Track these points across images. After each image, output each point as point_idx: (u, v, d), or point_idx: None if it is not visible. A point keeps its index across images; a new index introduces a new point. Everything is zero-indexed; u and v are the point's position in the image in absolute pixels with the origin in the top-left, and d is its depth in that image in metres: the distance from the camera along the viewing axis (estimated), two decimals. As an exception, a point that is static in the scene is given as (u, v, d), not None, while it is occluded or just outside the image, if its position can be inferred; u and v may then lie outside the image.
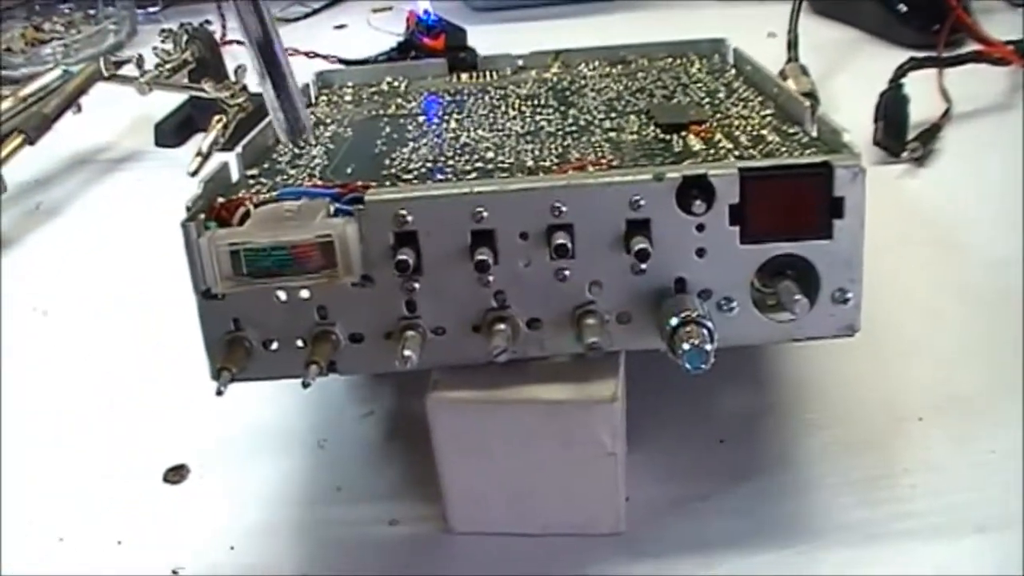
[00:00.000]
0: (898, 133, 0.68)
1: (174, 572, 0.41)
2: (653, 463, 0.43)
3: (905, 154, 0.67)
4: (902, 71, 0.70)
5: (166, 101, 0.82)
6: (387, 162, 0.44)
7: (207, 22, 0.86)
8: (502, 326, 0.37)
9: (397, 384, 0.49)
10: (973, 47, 0.80)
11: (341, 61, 0.84)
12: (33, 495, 0.45)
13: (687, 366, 0.34)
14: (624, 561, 0.39)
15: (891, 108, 0.69)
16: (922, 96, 0.72)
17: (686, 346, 0.34)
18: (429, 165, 0.43)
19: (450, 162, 0.44)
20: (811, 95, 0.74)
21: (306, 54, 0.87)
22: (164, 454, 0.47)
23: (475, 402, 0.38)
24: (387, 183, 0.41)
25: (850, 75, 0.82)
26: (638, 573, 0.39)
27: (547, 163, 0.42)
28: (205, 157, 0.68)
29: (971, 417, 0.45)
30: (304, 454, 0.46)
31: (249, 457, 0.47)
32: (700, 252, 0.36)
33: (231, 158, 0.45)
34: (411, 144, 0.47)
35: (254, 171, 0.45)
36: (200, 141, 0.71)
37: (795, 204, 0.36)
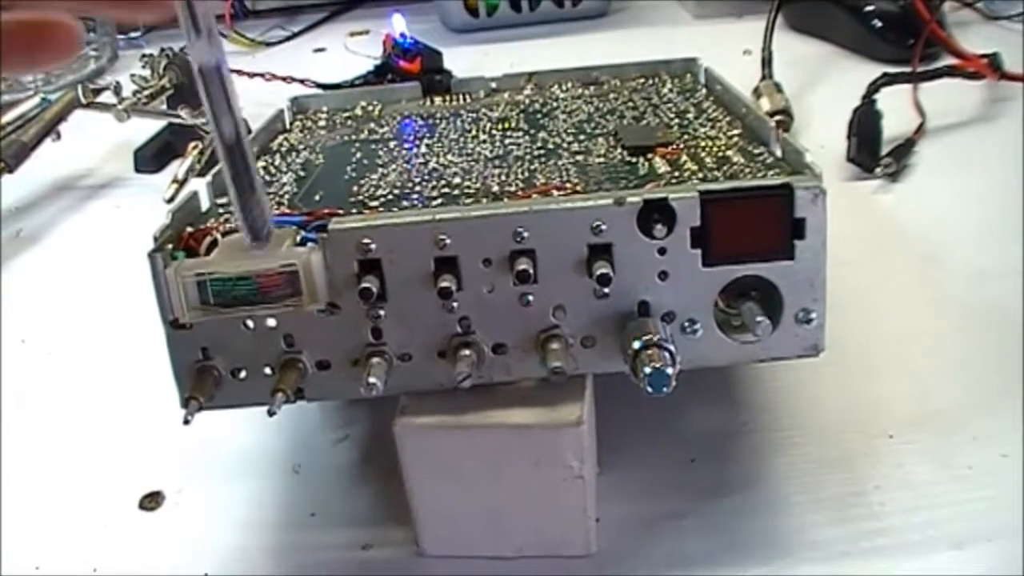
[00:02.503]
0: (871, 149, 0.68)
1: (148, 601, 0.41)
2: (625, 483, 0.43)
3: (879, 170, 0.67)
4: (875, 87, 0.71)
5: (146, 127, 0.82)
6: (355, 188, 0.45)
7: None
8: (467, 352, 0.37)
9: (372, 409, 0.49)
10: (948, 61, 0.80)
11: (318, 85, 0.84)
12: (9, 524, 0.45)
13: (649, 389, 0.34)
14: (595, 581, 0.40)
15: (864, 124, 0.69)
16: (897, 111, 0.73)
17: (648, 369, 0.34)
18: (396, 191, 0.44)
19: (417, 188, 0.44)
20: (785, 112, 0.74)
21: (283, 79, 0.88)
22: (140, 481, 0.47)
23: (443, 427, 0.38)
24: (354, 210, 0.41)
25: (825, 91, 0.82)
26: (609, 593, 0.39)
27: (512, 188, 0.43)
28: (181, 184, 0.68)
29: (946, 433, 0.45)
30: (279, 479, 0.46)
31: (224, 483, 0.47)
32: (663, 275, 0.36)
33: (202, 186, 0.45)
34: (380, 170, 0.47)
35: (224, 199, 0.45)
36: (177, 166, 0.71)
37: (756, 226, 0.36)
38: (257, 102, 0.81)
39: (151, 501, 0.46)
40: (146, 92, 0.75)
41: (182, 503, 0.46)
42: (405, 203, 0.42)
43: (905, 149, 0.69)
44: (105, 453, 0.50)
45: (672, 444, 0.46)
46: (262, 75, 0.88)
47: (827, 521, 0.41)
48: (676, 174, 0.42)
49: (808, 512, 0.42)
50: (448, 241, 0.36)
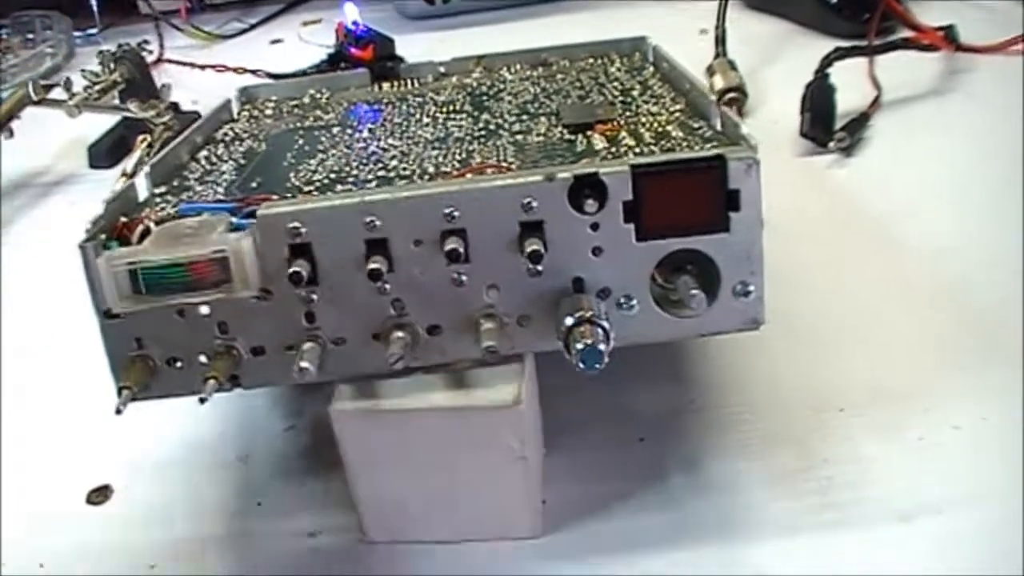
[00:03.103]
0: (825, 123, 0.68)
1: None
2: (571, 464, 0.43)
3: (832, 144, 0.67)
4: (828, 61, 0.71)
5: (100, 123, 0.81)
6: (292, 175, 0.44)
7: (145, 42, 0.86)
8: (400, 334, 0.36)
9: (318, 397, 0.48)
10: (903, 35, 0.80)
11: (269, 75, 0.83)
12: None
13: (581, 366, 0.34)
14: (544, 564, 0.39)
15: (817, 99, 0.69)
16: (853, 85, 0.72)
17: (580, 346, 0.34)
18: (333, 176, 0.43)
19: (354, 172, 0.43)
20: (739, 89, 0.74)
21: (235, 70, 0.87)
22: (88, 475, 0.46)
23: (379, 412, 0.37)
24: (289, 196, 0.41)
25: (781, 68, 0.82)
26: (556, 573, 0.39)
27: (448, 168, 0.42)
28: (130, 177, 0.68)
29: (895, 407, 0.45)
30: (226, 469, 0.46)
31: (173, 475, 0.46)
32: (596, 251, 0.36)
33: (140, 177, 0.44)
34: (320, 156, 0.46)
35: (162, 189, 0.44)
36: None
37: (690, 199, 0.36)
38: (212, 94, 0.80)
39: (99, 495, 0.46)
40: (97, 87, 0.75)
41: (130, 496, 0.46)
42: (340, 187, 0.42)
43: (859, 123, 0.69)
44: (51, 448, 0.49)
45: (620, 423, 0.45)
46: (215, 67, 0.88)
47: (777, 497, 0.41)
48: (613, 150, 0.42)
49: (758, 489, 0.41)
50: (378, 223, 0.35)
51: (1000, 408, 0.44)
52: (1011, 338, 0.47)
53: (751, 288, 0.37)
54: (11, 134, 0.74)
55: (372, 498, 0.40)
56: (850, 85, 0.72)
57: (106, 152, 0.80)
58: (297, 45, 1.01)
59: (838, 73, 0.71)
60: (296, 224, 0.35)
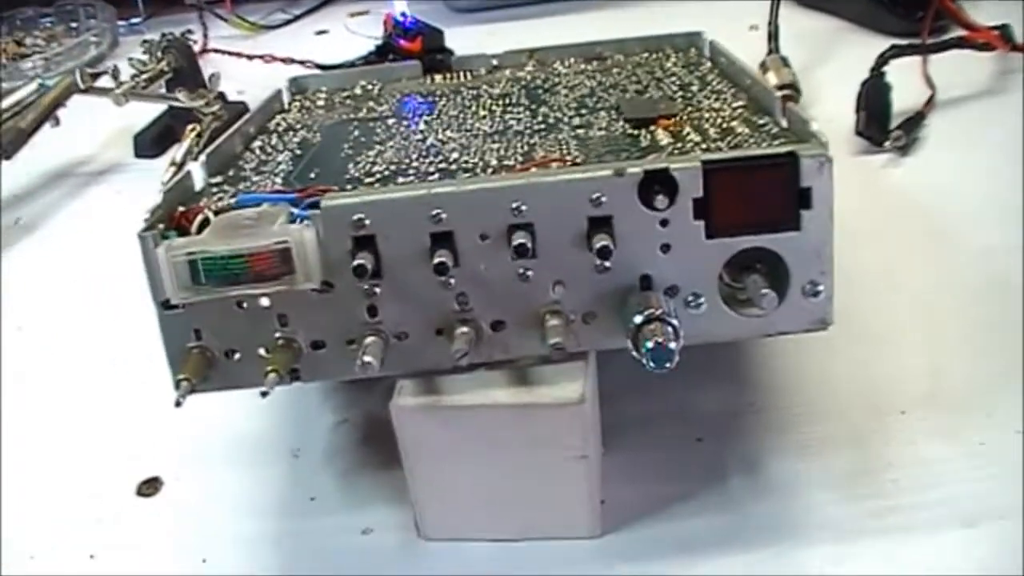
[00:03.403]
0: (880, 122, 0.67)
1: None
2: (630, 464, 0.43)
3: (888, 143, 0.66)
4: (883, 59, 0.70)
5: (146, 112, 0.81)
6: (351, 166, 0.44)
7: (189, 31, 0.86)
8: (464, 329, 0.36)
9: (371, 391, 0.48)
10: (958, 33, 0.79)
11: (318, 66, 0.83)
12: (5, 511, 0.45)
13: (651, 365, 0.33)
14: (601, 565, 0.39)
15: (873, 97, 0.68)
16: (907, 84, 0.71)
17: (650, 344, 0.33)
18: (393, 168, 0.43)
19: (414, 164, 0.43)
20: (792, 86, 0.73)
21: (283, 60, 0.87)
22: (138, 466, 0.46)
23: (440, 407, 0.37)
24: (349, 187, 0.40)
25: (833, 65, 0.81)
26: (615, 574, 0.38)
27: (511, 162, 0.42)
28: (179, 167, 0.68)
29: (957, 409, 0.44)
30: (278, 464, 0.46)
31: (223, 468, 0.46)
32: (665, 248, 0.36)
33: (195, 166, 0.44)
34: (377, 147, 0.46)
35: (218, 179, 0.44)
36: (175, 151, 0.71)
37: (761, 196, 0.35)
38: (258, 84, 0.81)
39: (149, 487, 0.46)
40: (144, 76, 0.74)
41: (180, 489, 0.45)
42: (401, 179, 0.41)
43: (915, 122, 0.68)
44: (104, 439, 0.49)
45: (678, 423, 0.45)
46: (262, 57, 0.88)
47: (837, 500, 0.40)
48: (679, 145, 0.41)
49: (818, 491, 0.41)
50: (444, 216, 0.35)
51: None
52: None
53: (820, 288, 0.36)
54: (57, 122, 0.74)
55: (429, 495, 0.39)
56: (903, 84, 0.71)
57: (152, 141, 0.80)
58: (343, 36, 1.00)
59: (892, 71, 0.70)
60: (361, 216, 0.35)
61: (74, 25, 1.06)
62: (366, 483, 0.44)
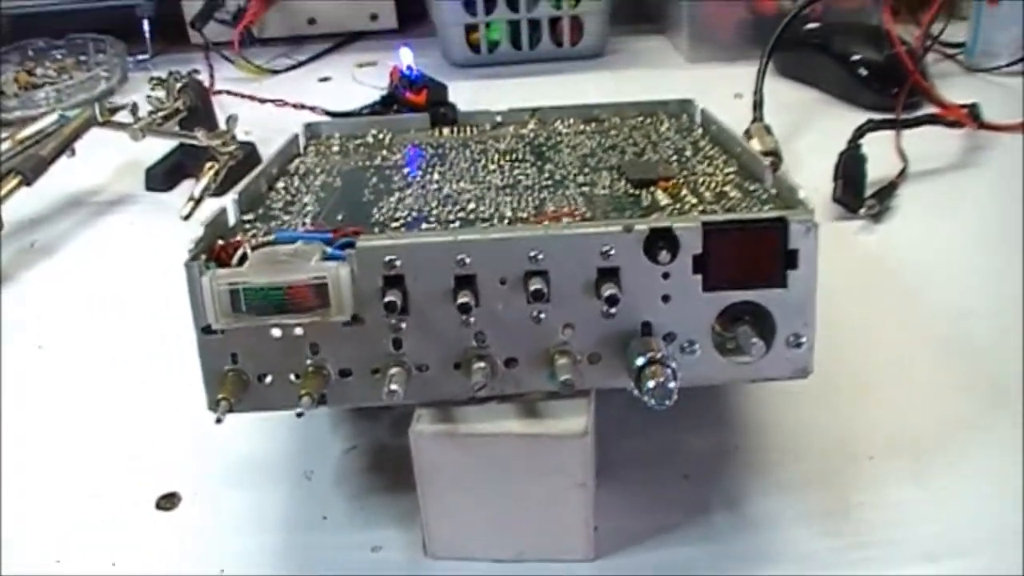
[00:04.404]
0: (856, 190, 0.71)
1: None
2: (621, 496, 0.46)
3: (863, 210, 0.70)
4: (860, 132, 0.74)
5: (155, 148, 0.84)
6: (374, 211, 0.47)
7: (195, 71, 0.89)
8: (481, 364, 0.40)
9: (379, 421, 0.51)
10: (930, 110, 0.84)
11: (327, 113, 0.87)
12: (31, 520, 0.48)
13: (652, 402, 0.37)
14: (594, 585, 0.42)
15: (849, 167, 0.72)
16: (880, 156, 0.76)
17: (651, 384, 0.37)
18: (415, 214, 0.46)
19: (434, 211, 0.47)
20: (775, 153, 0.77)
21: (294, 105, 0.90)
22: (157, 482, 0.49)
23: (455, 435, 0.40)
24: (375, 230, 0.44)
25: (813, 135, 0.85)
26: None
27: (525, 214, 0.45)
28: (197, 202, 0.71)
29: (923, 456, 0.48)
30: (291, 485, 0.49)
31: (238, 487, 0.49)
32: (665, 298, 0.39)
33: (228, 203, 0.47)
34: (397, 194, 0.50)
35: (249, 216, 0.48)
36: (192, 186, 0.74)
37: (753, 255, 0.39)
38: (266, 127, 0.84)
39: (167, 502, 0.48)
40: (161, 113, 0.78)
41: (198, 504, 0.48)
42: (424, 225, 0.45)
43: (888, 191, 0.72)
44: (124, 456, 0.52)
45: (666, 461, 0.48)
46: (274, 101, 0.91)
47: (812, 535, 0.44)
48: (677, 206, 0.45)
49: (794, 527, 0.44)
50: (468, 260, 0.39)
51: (1019, 458, 0.47)
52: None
53: (803, 340, 0.40)
54: (73, 153, 0.77)
55: (439, 516, 0.42)
56: (878, 156, 0.75)
57: (163, 176, 0.83)
58: (346, 84, 1.03)
59: (867, 143, 0.74)
60: (392, 257, 0.38)
61: (83, 58, 1.09)
62: (375, 504, 0.47)
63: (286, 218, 0.47)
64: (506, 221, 0.45)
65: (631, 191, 0.48)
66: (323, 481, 0.49)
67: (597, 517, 0.43)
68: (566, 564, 0.43)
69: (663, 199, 0.46)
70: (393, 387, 0.39)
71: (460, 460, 0.41)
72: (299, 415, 0.39)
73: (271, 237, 0.43)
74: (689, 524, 0.45)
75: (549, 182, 0.50)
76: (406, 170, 0.54)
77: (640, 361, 0.38)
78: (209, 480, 0.50)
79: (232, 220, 0.47)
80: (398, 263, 0.39)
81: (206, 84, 0.95)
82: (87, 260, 0.73)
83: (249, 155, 0.80)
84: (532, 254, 0.39)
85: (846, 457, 0.48)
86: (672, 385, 0.37)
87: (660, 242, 0.39)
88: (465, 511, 0.42)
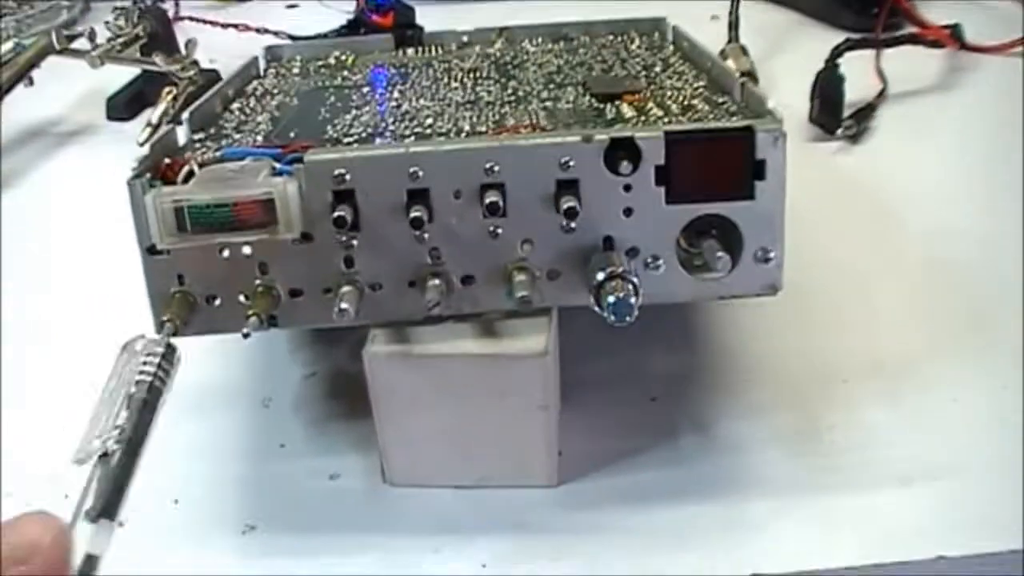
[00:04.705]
0: (833, 111, 0.70)
1: (120, 524, 0.42)
2: (586, 420, 0.45)
3: (840, 132, 0.69)
4: (838, 52, 0.72)
5: (118, 76, 0.82)
6: (329, 128, 0.46)
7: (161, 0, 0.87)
8: (436, 281, 0.38)
9: (339, 345, 0.50)
10: (910, 30, 0.82)
11: (291, 38, 0.84)
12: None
13: (612, 318, 0.36)
14: (558, 512, 0.41)
15: (827, 87, 0.71)
16: (860, 77, 0.74)
17: (611, 299, 0.36)
18: (370, 130, 0.45)
19: (390, 127, 0.45)
20: (750, 74, 0.76)
21: (256, 30, 0.88)
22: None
23: (411, 356, 0.39)
24: (328, 146, 0.42)
25: (790, 56, 0.84)
26: (571, 523, 0.41)
27: (483, 128, 0.44)
28: (155, 128, 0.69)
29: (896, 380, 0.47)
30: (249, 412, 0.48)
31: (194, 414, 0.47)
32: (627, 212, 0.38)
33: (179, 124, 0.46)
34: (354, 111, 0.48)
35: (200, 135, 0.46)
36: (150, 113, 0.72)
37: (719, 166, 0.38)
38: (229, 54, 0.81)
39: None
40: (120, 40, 0.76)
41: (153, 433, 0.47)
42: (379, 140, 0.43)
43: (866, 113, 0.71)
44: (78, 386, 0.50)
45: (632, 383, 0.47)
46: (236, 26, 0.89)
47: (781, 458, 0.43)
48: (643, 118, 0.43)
49: (763, 450, 0.43)
50: (421, 173, 0.37)
51: (994, 383, 0.46)
52: (1006, 317, 0.50)
53: (772, 254, 0.39)
54: (31, 82, 0.75)
55: (396, 442, 0.41)
56: (857, 77, 0.73)
57: (125, 104, 0.81)
58: (314, 9, 1.01)
59: (846, 64, 0.73)
60: (342, 171, 0.37)
61: (46, -12, 1.06)
62: (334, 431, 0.46)
63: (237, 136, 0.46)
64: (463, 135, 0.43)
65: (595, 105, 0.46)
66: (281, 408, 0.48)
67: (561, 441, 0.42)
68: (530, 490, 0.42)
69: (628, 112, 0.44)
70: (344, 306, 0.37)
71: (416, 382, 0.39)
72: (245, 336, 0.37)
73: (219, 153, 0.41)
74: (656, 447, 0.44)
75: (512, 98, 0.49)
76: (366, 89, 0.53)
77: (600, 276, 0.36)
78: (165, 409, 0.48)
79: (182, 140, 0.45)
80: (348, 177, 0.37)
81: (172, 12, 0.93)
82: (45, 192, 0.72)
83: (212, 82, 0.77)
84: (487, 166, 0.37)
85: (819, 379, 0.47)
86: (633, 301, 0.36)
87: (621, 152, 0.37)
88: (423, 436, 0.41)
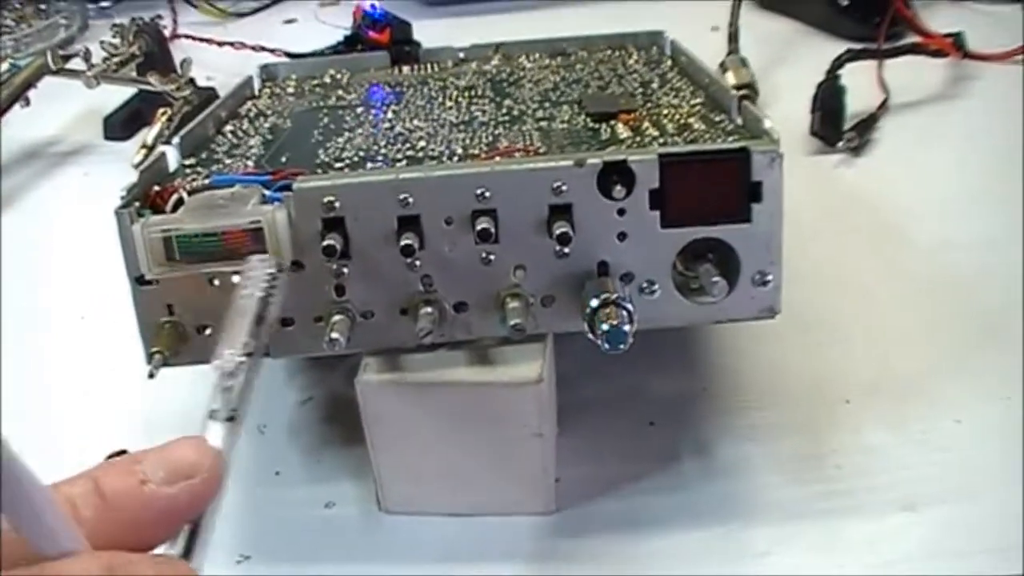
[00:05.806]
0: (834, 123, 0.69)
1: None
2: (584, 445, 0.44)
3: (841, 144, 0.68)
4: (839, 62, 0.72)
5: (115, 95, 0.82)
6: (321, 151, 0.45)
7: (158, 16, 0.86)
8: (428, 309, 0.37)
9: (336, 371, 0.49)
10: (912, 39, 0.81)
11: (287, 55, 0.84)
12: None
13: (606, 346, 0.35)
14: (555, 540, 0.40)
15: (828, 99, 0.70)
16: (862, 87, 0.73)
17: (605, 327, 0.35)
18: (362, 154, 0.44)
19: (382, 151, 0.44)
20: (751, 86, 0.75)
21: (253, 48, 0.88)
22: (106, 441, 0.47)
23: (404, 384, 0.38)
24: (319, 171, 0.42)
25: (791, 67, 0.83)
26: (568, 551, 0.40)
27: (476, 151, 0.43)
28: (150, 149, 0.69)
29: (899, 401, 0.46)
30: (244, 438, 0.46)
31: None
32: (621, 236, 0.37)
33: (169, 148, 0.45)
34: (347, 134, 0.47)
35: (191, 160, 0.45)
36: (146, 133, 0.71)
37: (714, 189, 0.37)
38: (227, 71, 0.81)
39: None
40: (116, 59, 0.75)
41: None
42: (370, 165, 0.43)
43: (868, 124, 0.70)
44: (70, 413, 0.50)
45: (631, 407, 0.46)
46: (232, 44, 0.88)
47: (784, 483, 0.42)
48: (638, 139, 0.43)
49: (765, 474, 0.43)
50: (411, 200, 0.36)
51: (1000, 404, 0.45)
52: (1012, 336, 0.49)
53: (769, 277, 0.38)
54: (27, 103, 0.75)
55: (391, 469, 0.41)
56: (859, 87, 0.73)
57: (121, 124, 0.80)
58: (311, 25, 1.01)
59: (848, 75, 0.72)
60: (331, 198, 0.36)
61: (43, 7, 1.05)
62: (329, 458, 0.45)
63: (228, 161, 0.45)
64: (456, 158, 0.42)
65: (590, 125, 0.46)
66: (277, 434, 0.47)
67: (559, 467, 0.41)
68: (527, 518, 0.41)
69: (623, 132, 0.44)
70: (334, 335, 0.37)
71: (409, 410, 0.39)
72: (236, 367, 0.37)
73: (208, 181, 0.40)
74: (656, 472, 0.43)
75: (506, 118, 0.48)
76: (360, 109, 0.52)
77: (594, 303, 0.36)
78: (159, 436, 0.47)
79: (173, 165, 0.45)
80: (337, 204, 0.36)
81: (169, 29, 0.93)
82: (42, 213, 0.71)
83: (210, 100, 0.77)
84: (478, 192, 0.36)
85: (820, 401, 0.46)
86: (627, 328, 0.35)
87: (615, 176, 0.36)
88: (418, 464, 0.40)
